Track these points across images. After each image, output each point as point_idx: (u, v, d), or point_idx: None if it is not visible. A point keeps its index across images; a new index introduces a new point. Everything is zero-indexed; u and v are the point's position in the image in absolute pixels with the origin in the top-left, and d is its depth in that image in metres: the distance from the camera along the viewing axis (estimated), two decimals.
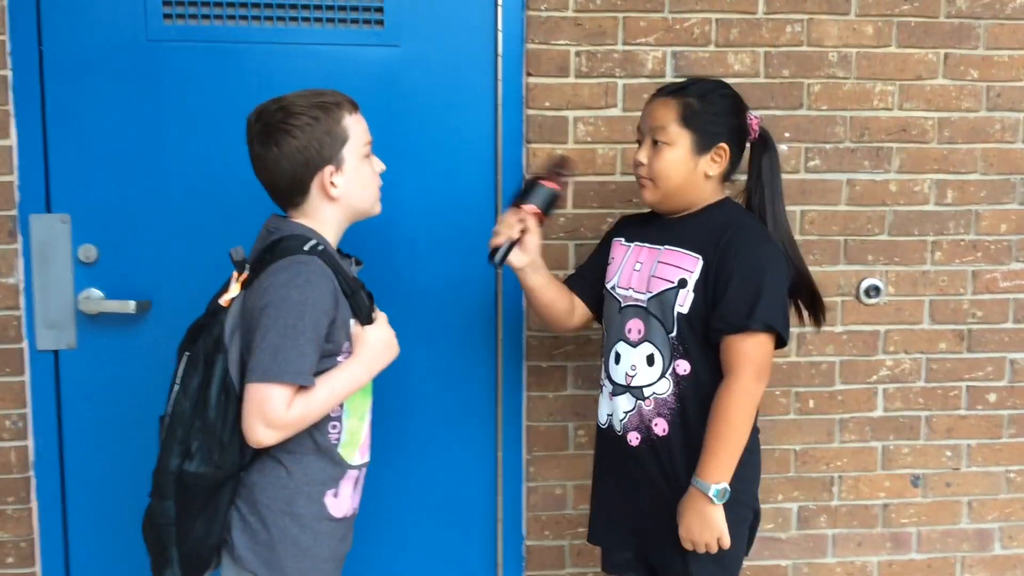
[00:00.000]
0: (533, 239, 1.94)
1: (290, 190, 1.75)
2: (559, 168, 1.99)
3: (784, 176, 2.40)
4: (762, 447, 2.49)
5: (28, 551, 2.35)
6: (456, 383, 2.48)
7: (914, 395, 2.56)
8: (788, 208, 2.41)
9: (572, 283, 2.13)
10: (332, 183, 1.74)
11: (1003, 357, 2.57)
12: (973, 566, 2.64)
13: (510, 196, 2.03)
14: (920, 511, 2.61)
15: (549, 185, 1.96)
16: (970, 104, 2.47)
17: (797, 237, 2.42)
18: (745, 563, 2.52)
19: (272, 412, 1.61)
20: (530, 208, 1.94)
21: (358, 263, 1.88)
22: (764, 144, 2.00)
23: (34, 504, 2.36)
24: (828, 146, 2.45)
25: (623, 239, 2.07)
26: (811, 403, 2.53)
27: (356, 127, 1.78)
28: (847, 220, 2.48)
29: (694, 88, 1.93)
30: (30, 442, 2.34)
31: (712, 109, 1.90)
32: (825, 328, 2.49)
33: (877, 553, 2.61)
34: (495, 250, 1.93)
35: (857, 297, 2.50)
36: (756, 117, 1.99)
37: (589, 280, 2.12)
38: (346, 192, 1.77)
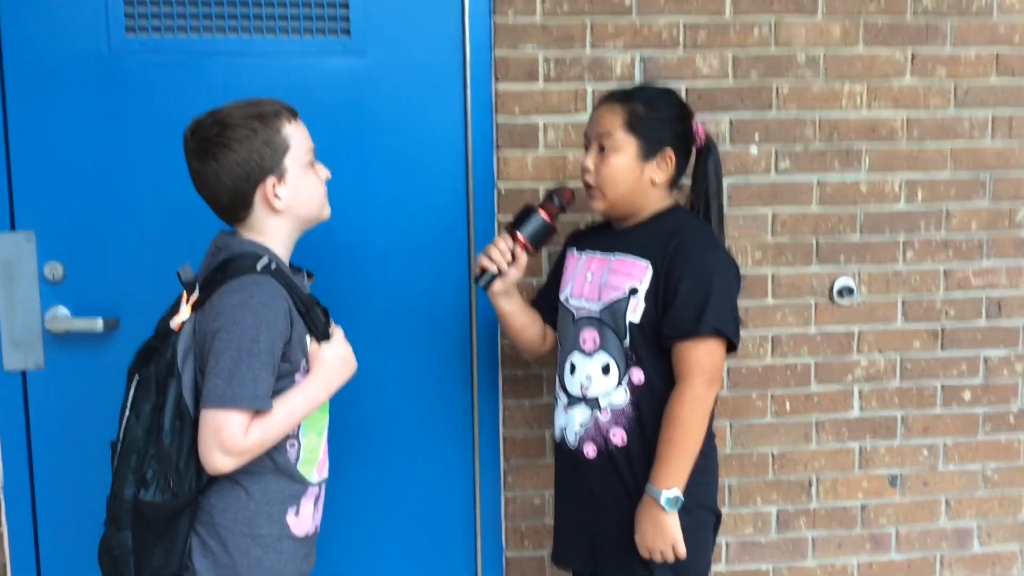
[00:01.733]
0: (516, 273, 1.97)
1: (233, 205, 1.72)
2: (559, 197, 1.99)
3: (754, 178, 2.43)
4: (739, 451, 2.51)
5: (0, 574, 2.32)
6: (432, 393, 2.45)
7: (890, 395, 2.56)
8: (760, 210, 2.44)
9: (536, 307, 2.14)
10: (276, 195, 1.71)
11: (977, 355, 2.58)
12: (952, 565, 2.65)
13: (511, 219, 2.02)
14: (898, 511, 2.61)
15: (545, 217, 1.96)
16: (938, 102, 2.48)
17: (769, 239, 2.45)
18: (725, 568, 2.54)
19: (229, 439, 1.58)
20: (523, 240, 1.95)
21: (310, 276, 1.85)
22: (708, 149, 2.01)
23: (4, 527, 2.32)
24: (798, 147, 2.45)
25: (575, 249, 2.07)
26: (787, 405, 2.52)
27: (296, 135, 1.74)
28: (818, 221, 2.48)
29: (640, 94, 1.93)
30: None
31: (658, 115, 1.91)
32: (799, 330, 2.49)
33: (857, 554, 2.60)
34: (483, 271, 1.96)
35: (830, 298, 2.50)
36: (701, 123, 2.00)
37: (548, 299, 2.12)
38: (291, 203, 1.73)
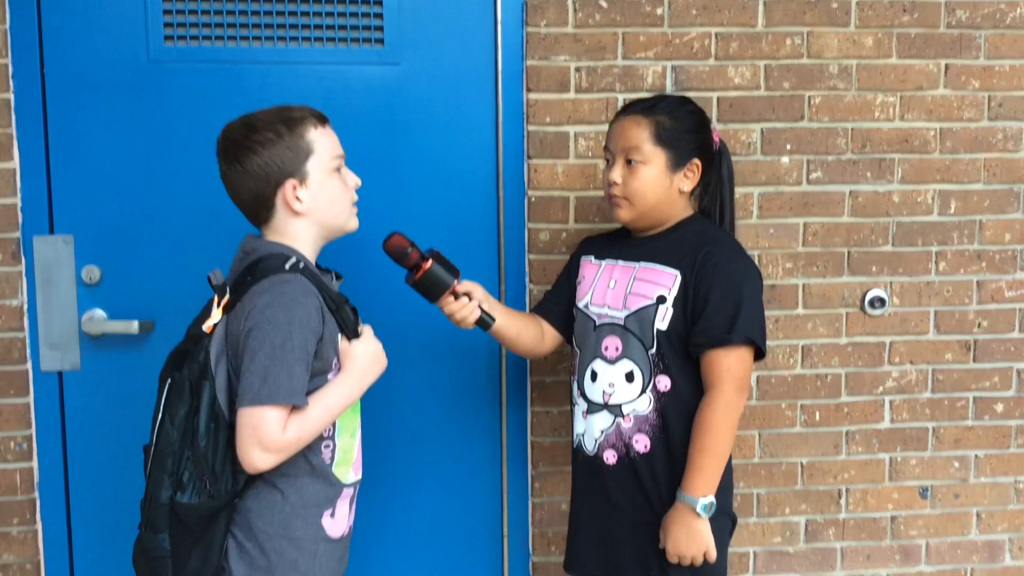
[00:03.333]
0: (479, 292, 1.97)
1: (255, 206, 1.74)
2: (401, 251, 1.88)
3: (786, 188, 2.43)
4: (768, 461, 2.51)
5: (33, 573, 2.35)
6: (460, 399, 2.47)
7: (921, 406, 2.54)
8: (791, 220, 2.44)
9: (541, 309, 2.15)
10: (297, 197, 1.72)
11: (1010, 367, 2.56)
12: None
13: (432, 295, 1.93)
14: (929, 523, 2.59)
15: (427, 266, 1.87)
16: (972, 114, 2.47)
17: (800, 249, 2.45)
18: None
19: (267, 435, 1.59)
20: (459, 287, 1.92)
21: (338, 277, 1.86)
22: (722, 154, 2.02)
23: (39, 525, 2.36)
24: (830, 158, 2.44)
25: (593, 257, 2.08)
26: (817, 415, 2.52)
27: (322, 141, 1.75)
28: (850, 232, 2.47)
29: (662, 106, 1.94)
30: (35, 463, 2.34)
31: (683, 126, 1.93)
32: (830, 340, 2.48)
33: (886, 566, 2.59)
34: (478, 323, 1.96)
35: (862, 308, 2.49)
36: (716, 130, 2.02)
37: (557, 303, 2.13)
38: (313, 206, 1.74)
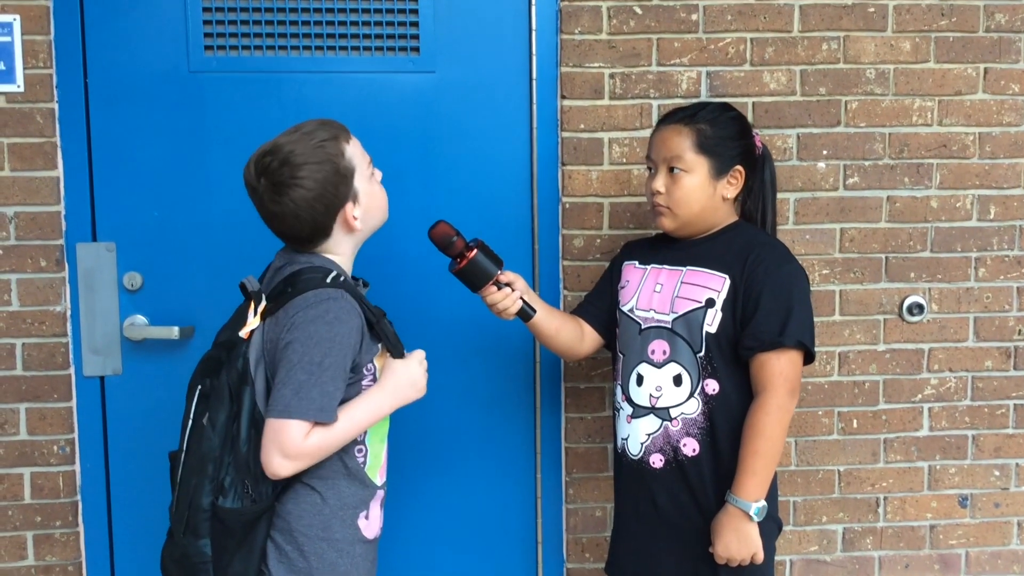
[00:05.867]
0: (520, 283, 1.98)
1: (313, 236, 1.74)
2: (447, 240, 1.90)
3: (822, 194, 2.42)
4: (804, 468, 2.49)
5: (75, 574, 2.39)
6: (494, 405, 2.48)
7: (960, 414, 2.52)
8: (827, 226, 2.43)
9: (581, 311, 2.14)
10: (354, 216, 1.74)
11: None
12: None
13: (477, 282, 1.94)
14: (968, 532, 2.56)
15: (471, 255, 1.89)
16: (1011, 119, 2.44)
17: (837, 255, 2.43)
18: None
19: (289, 442, 1.59)
20: (501, 277, 1.93)
21: (365, 285, 1.87)
22: (764, 159, 2.02)
23: (81, 528, 2.40)
24: (867, 163, 2.43)
25: (636, 262, 2.08)
26: (855, 423, 2.49)
27: (356, 153, 1.75)
28: (888, 237, 2.45)
29: (703, 114, 1.94)
30: (77, 467, 2.38)
31: (725, 133, 1.93)
32: (868, 347, 2.47)
33: (925, 575, 2.56)
34: (518, 314, 1.97)
35: (900, 315, 2.47)
36: (758, 134, 2.01)
37: (598, 306, 2.13)
38: (365, 218, 1.77)
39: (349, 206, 1.73)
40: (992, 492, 2.55)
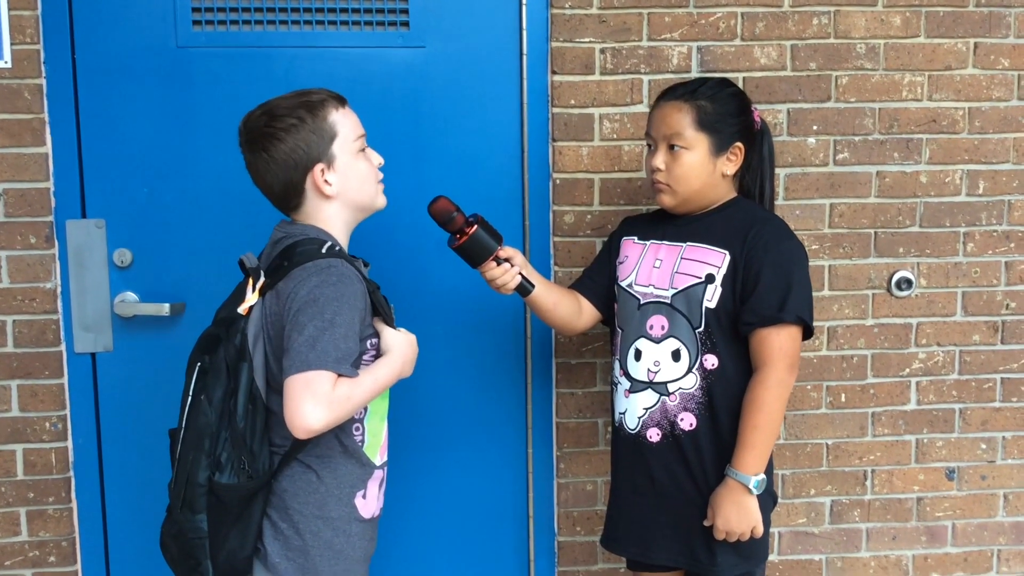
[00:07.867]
0: (519, 258, 1.99)
1: (285, 193, 1.75)
2: (447, 215, 1.91)
3: (812, 169, 2.42)
4: (793, 442, 2.51)
5: (69, 550, 2.40)
6: (486, 381, 2.49)
7: (948, 388, 2.54)
8: (817, 201, 2.43)
9: (580, 286, 2.14)
10: (326, 181, 1.73)
11: None
12: (1010, 559, 2.62)
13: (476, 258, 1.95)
14: (955, 504, 2.58)
15: (471, 231, 1.89)
16: (1001, 93, 2.45)
17: (826, 230, 2.44)
18: (778, 558, 2.55)
19: (319, 390, 1.56)
20: (500, 252, 1.93)
21: (366, 264, 1.87)
22: (763, 134, 2.03)
23: (74, 504, 2.41)
24: (857, 138, 2.43)
25: (635, 238, 2.08)
26: (843, 397, 2.51)
27: (344, 122, 1.76)
28: (877, 212, 2.46)
29: (703, 90, 1.93)
30: (69, 443, 2.38)
31: (725, 110, 1.92)
32: (856, 321, 2.48)
33: (912, 547, 2.59)
34: (517, 289, 1.97)
35: (888, 290, 2.48)
36: (757, 109, 2.01)
37: (597, 281, 2.13)
38: (342, 188, 1.76)
39: (320, 167, 1.72)
40: (979, 465, 2.58)
